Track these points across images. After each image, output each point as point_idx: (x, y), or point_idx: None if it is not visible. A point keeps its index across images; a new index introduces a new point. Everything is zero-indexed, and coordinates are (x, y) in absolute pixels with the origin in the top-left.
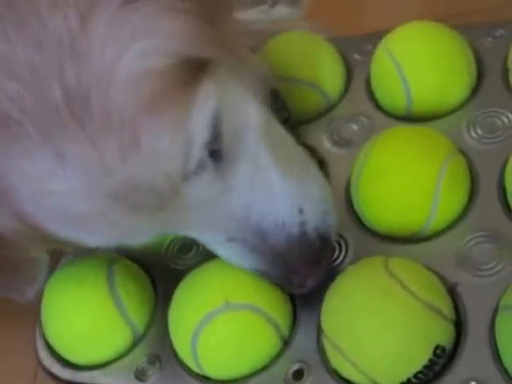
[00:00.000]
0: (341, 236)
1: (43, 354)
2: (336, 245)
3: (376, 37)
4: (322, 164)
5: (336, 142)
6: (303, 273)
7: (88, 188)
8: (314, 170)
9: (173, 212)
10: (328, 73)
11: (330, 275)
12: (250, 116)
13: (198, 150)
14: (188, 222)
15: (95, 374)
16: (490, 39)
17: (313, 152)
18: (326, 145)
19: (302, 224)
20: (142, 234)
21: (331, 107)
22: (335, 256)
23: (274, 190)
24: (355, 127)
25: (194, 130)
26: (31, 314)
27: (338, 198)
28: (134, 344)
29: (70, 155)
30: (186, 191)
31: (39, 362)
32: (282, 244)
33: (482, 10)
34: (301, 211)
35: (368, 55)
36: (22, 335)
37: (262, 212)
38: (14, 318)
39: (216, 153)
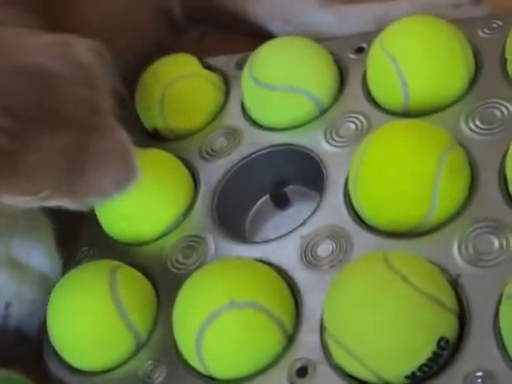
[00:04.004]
0: (343, 234)
1: (51, 361)
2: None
3: (370, 35)
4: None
5: (333, 143)
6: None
7: None
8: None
9: None
10: (319, 77)
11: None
12: None
13: None
14: None
15: (102, 379)
16: (486, 30)
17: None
18: (323, 146)
19: (5, 317)
20: None
21: (325, 110)
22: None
23: None
24: (352, 126)
25: None
26: None
27: (337, 199)
28: (138, 349)
29: None
30: None
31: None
32: None
33: None
34: (7, 306)
35: (363, 54)
36: None
37: None
38: None
39: None
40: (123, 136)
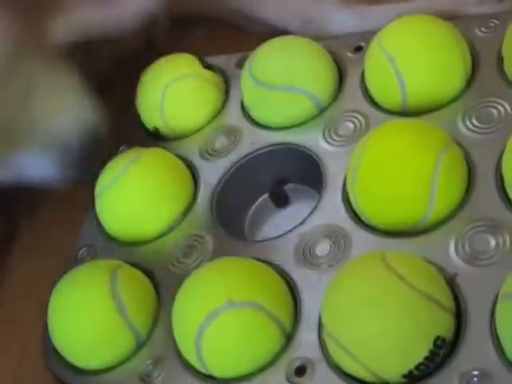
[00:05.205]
0: (341, 233)
1: (51, 360)
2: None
3: (368, 34)
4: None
5: (332, 142)
6: None
7: None
8: None
9: None
10: (318, 76)
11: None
12: None
13: None
14: None
15: (101, 378)
16: (483, 29)
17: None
18: (321, 144)
19: None
20: None
21: (323, 109)
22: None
23: None
24: (351, 125)
25: None
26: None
27: (335, 198)
28: (138, 349)
29: None
30: None
31: (48, 368)
32: None
33: None
34: None
35: (361, 53)
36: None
37: None
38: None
39: None
40: None
